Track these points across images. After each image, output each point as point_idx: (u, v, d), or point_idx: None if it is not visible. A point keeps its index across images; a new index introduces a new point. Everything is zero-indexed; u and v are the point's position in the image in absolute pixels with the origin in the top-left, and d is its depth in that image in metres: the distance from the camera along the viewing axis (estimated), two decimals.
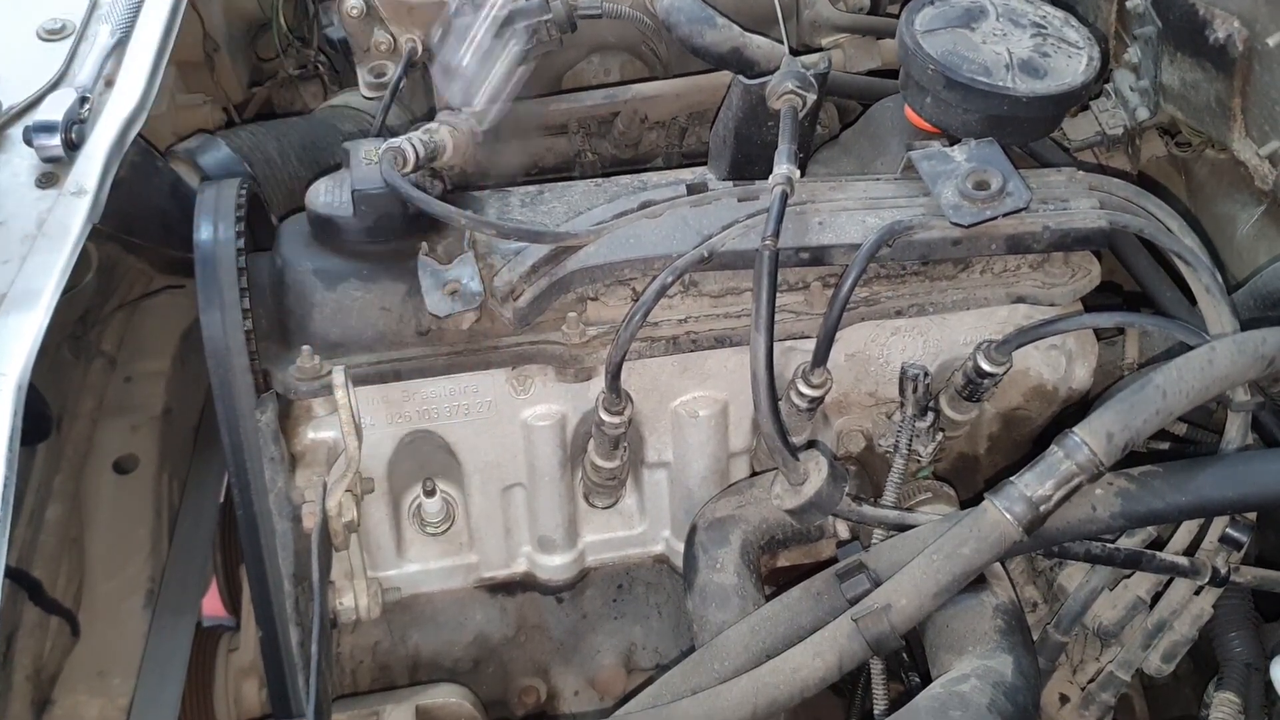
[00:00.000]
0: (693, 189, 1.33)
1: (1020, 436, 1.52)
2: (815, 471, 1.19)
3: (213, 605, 1.86)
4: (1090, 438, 1.09)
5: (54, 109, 1.34)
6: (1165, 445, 1.52)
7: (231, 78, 1.98)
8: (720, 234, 1.28)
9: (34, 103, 1.38)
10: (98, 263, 1.71)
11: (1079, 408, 1.50)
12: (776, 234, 1.18)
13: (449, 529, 1.48)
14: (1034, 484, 1.10)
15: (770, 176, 1.22)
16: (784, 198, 1.20)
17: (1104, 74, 1.61)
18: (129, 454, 1.71)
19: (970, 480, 1.52)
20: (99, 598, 1.59)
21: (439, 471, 1.44)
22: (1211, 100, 1.50)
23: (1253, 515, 1.30)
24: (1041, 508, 1.09)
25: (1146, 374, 1.14)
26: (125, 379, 1.79)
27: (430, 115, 1.68)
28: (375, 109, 1.78)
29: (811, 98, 1.30)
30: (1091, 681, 1.42)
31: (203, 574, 1.64)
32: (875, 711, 1.27)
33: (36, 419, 1.47)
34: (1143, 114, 1.64)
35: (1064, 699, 1.43)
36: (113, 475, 1.69)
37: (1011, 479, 1.12)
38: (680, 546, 1.48)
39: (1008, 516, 1.09)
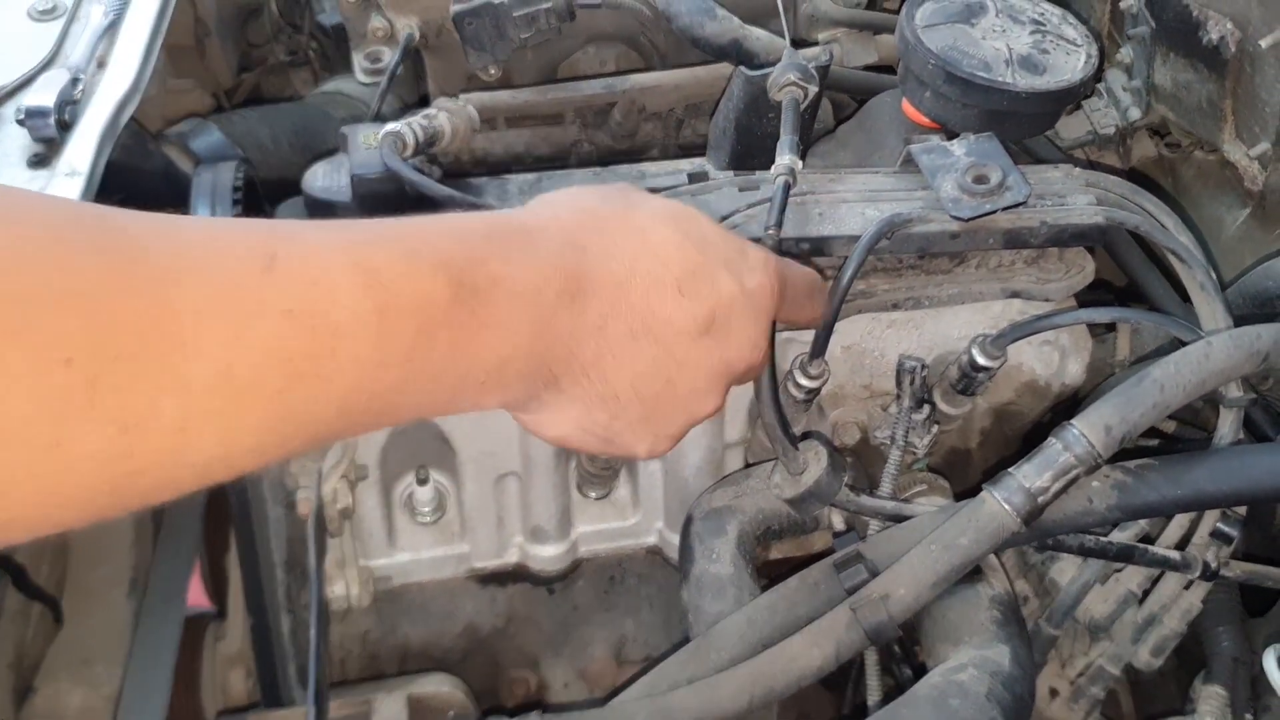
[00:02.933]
0: (693, 178, 1.33)
1: (1012, 432, 1.52)
2: (814, 461, 1.19)
3: (195, 595, 1.85)
4: (1089, 430, 1.10)
5: (46, 89, 1.32)
6: (1154, 442, 1.53)
7: (221, 63, 1.96)
8: (721, 223, 1.27)
9: (25, 83, 1.37)
10: None
11: (1070, 404, 1.51)
12: (779, 223, 1.18)
13: (441, 518, 1.47)
14: (1032, 475, 1.10)
15: (773, 166, 1.23)
16: (786, 188, 1.21)
17: (1100, 73, 1.62)
18: None
19: (962, 475, 1.53)
20: (82, 585, 1.57)
21: (432, 460, 1.43)
22: (1203, 101, 1.51)
23: (1242, 510, 1.31)
24: (1040, 499, 1.10)
25: (1143, 368, 1.15)
26: None
27: (422, 102, 1.68)
28: (368, 95, 1.78)
29: (813, 90, 1.30)
30: (1081, 675, 1.43)
31: (190, 563, 1.62)
32: (869, 703, 1.27)
33: None
34: (1134, 114, 1.65)
35: (1054, 693, 1.44)
36: None
37: (1010, 470, 1.12)
38: (673, 538, 1.47)
39: (1006, 507, 1.10)
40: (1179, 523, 1.32)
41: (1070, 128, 1.69)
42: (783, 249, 1.22)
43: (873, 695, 1.28)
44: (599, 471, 1.42)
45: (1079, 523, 1.18)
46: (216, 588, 1.84)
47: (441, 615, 1.55)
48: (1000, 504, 1.10)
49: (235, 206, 1.27)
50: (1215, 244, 1.62)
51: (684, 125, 1.67)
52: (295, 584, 1.34)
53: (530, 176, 1.40)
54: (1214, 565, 1.31)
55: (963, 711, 1.08)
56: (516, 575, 1.55)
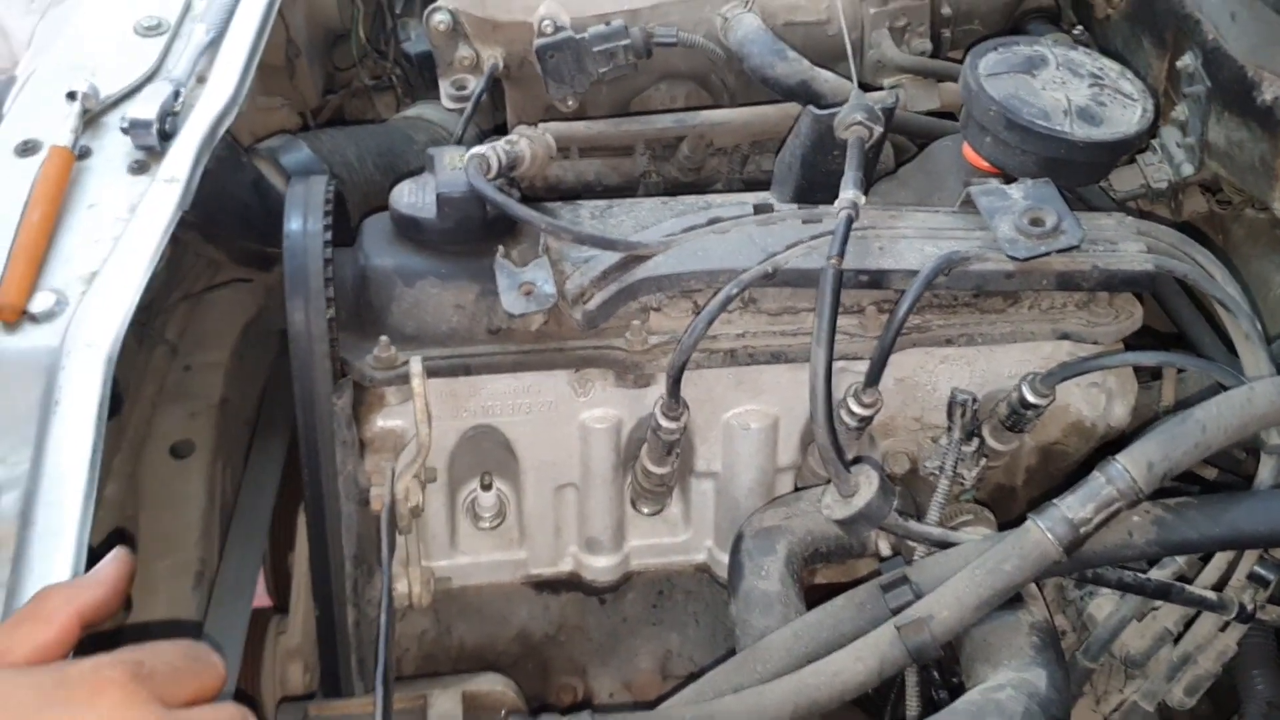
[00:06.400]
0: (759, 209, 1.39)
1: (1057, 471, 1.56)
2: (866, 484, 1.24)
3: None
4: (1132, 465, 1.15)
5: (149, 101, 1.40)
6: (1195, 488, 1.56)
7: (309, 84, 2.04)
8: (784, 252, 1.34)
9: (130, 93, 1.45)
10: (167, 254, 1.78)
11: (1114, 447, 1.55)
12: (842, 254, 1.24)
13: (501, 524, 1.52)
14: (1075, 506, 1.15)
15: (837, 200, 1.29)
16: (849, 221, 1.27)
17: (1154, 128, 1.67)
18: (185, 439, 1.76)
19: (1006, 511, 1.56)
20: (150, 576, 1.63)
21: (495, 467, 1.49)
22: (1256, 160, 1.55)
23: None
24: (1081, 530, 1.14)
25: (1187, 410, 1.19)
26: (185, 367, 1.84)
27: (498, 130, 1.75)
28: (448, 120, 1.86)
29: (878, 130, 1.36)
30: (1115, 711, 1.46)
31: (258, 559, 1.68)
32: (908, 717, 1.31)
33: (110, 395, 1.52)
34: (1187, 170, 1.69)
35: None
36: (169, 459, 1.73)
37: (1054, 501, 1.17)
38: (722, 557, 1.52)
39: (1049, 536, 1.14)
40: (1216, 564, 1.35)
41: (1124, 180, 1.73)
42: (843, 279, 1.28)
43: (911, 713, 1.32)
44: (653, 488, 1.47)
45: (1118, 555, 1.22)
46: (279, 583, 1.90)
47: (496, 619, 1.61)
48: (1044, 533, 1.15)
49: (326, 218, 1.34)
50: (1263, 301, 1.66)
51: (749, 161, 1.74)
52: (362, 579, 1.39)
53: (601, 203, 1.47)
54: (1250, 608, 1.34)
55: None
56: (570, 584, 1.60)
